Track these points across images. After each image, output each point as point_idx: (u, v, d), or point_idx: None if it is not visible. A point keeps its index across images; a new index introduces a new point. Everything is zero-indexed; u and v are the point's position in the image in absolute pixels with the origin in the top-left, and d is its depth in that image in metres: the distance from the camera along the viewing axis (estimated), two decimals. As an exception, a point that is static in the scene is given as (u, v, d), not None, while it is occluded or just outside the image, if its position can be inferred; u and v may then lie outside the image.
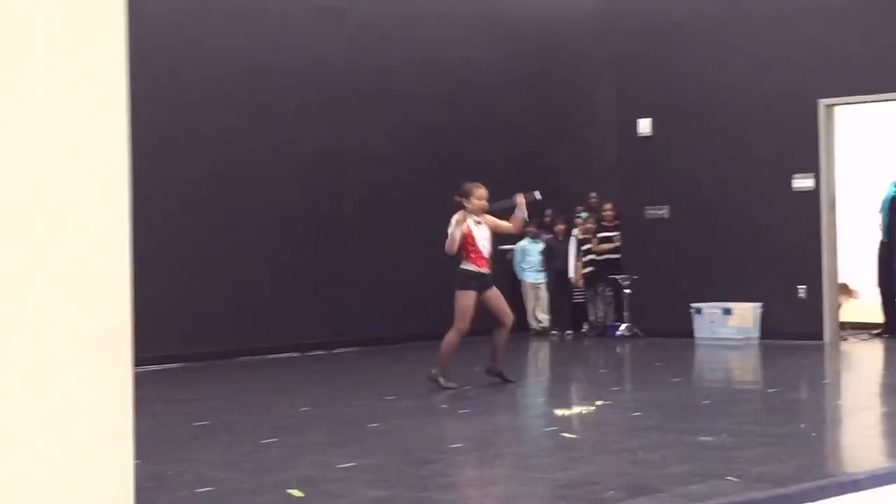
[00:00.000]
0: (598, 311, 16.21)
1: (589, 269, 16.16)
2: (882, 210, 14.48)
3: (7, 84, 3.48)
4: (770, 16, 14.64)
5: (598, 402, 9.21)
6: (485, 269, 10.46)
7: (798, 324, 14.20)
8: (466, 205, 10.42)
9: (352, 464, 6.66)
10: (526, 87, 17.11)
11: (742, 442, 7.12)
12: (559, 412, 8.76)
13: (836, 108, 14.33)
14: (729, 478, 5.92)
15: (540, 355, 14.43)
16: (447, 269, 15.30)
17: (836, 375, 12.06)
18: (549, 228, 16.53)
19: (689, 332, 14.70)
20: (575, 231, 16.36)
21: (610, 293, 16.02)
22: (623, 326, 15.50)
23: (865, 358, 13.20)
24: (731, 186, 14.81)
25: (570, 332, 16.22)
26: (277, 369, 12.74)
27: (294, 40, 14.46)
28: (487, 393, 10.05)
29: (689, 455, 6.70)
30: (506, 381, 10.60)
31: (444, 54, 16.12)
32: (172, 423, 8.67)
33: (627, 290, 15.45)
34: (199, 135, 13.40)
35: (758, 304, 14.50)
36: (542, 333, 16.33)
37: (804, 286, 14.32)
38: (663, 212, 15.48)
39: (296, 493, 5.86)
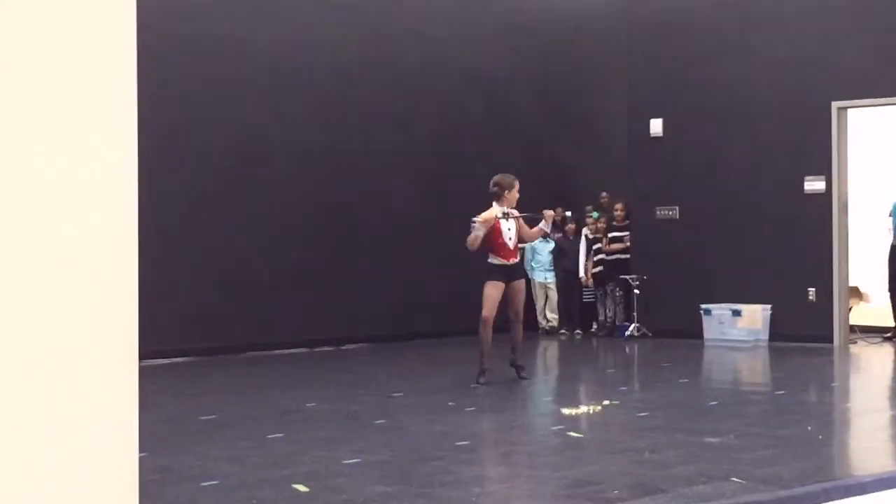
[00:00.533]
0: (608, 311, 16.19)
1: (599, 268, 16.14)
2: (892, 214, 14.43)
3: (16, 71, 3.49)
4: (783, 17, 14.60)
5: (606, 402, 9.20)
6: (512, 260, 10.58)
7: (808, 326, 14.17)
8: (506, 195, 10.49)
9: (357, 460, 6.66)
10: (538, 87, 17.10)
11: (748, 443, 7.11)
12: (566, 411, 8.76)
13: (850, 111, 14.28)
14: (734, 479, 5.91)
15: (549, 354, 14.42)
16: (457, 267, 15.34)
17: (845, 378, 12.03)
18: (559, 228, 16.51)
19: (698, 333, 14.67)
20: (585, 230, 16.35)
21: (619, 293, 16.00)
22: (632, 326, 15.48)
23: (875, 361, 13.16)
24: (741, 188, 14.77)
25: (579, 331, 16.22)
26: (285, 365, 12.75)
27: (306, 36, 14.47)
28: (495, 391, 10.05)
29: (694, 456, 6.69)
30: (520, 377, 10.65)
31: (456, 52, 16.10)
32: (179, 416, 8.68)
33: (637, 291, 15.43)
34: (212, 129, 13.41)
35: (767, 306, 14.46)
36: (551, 332, 16.32)
37: (814, 289, 14.29)
38: (673, 212, 15.45)
39: (301, 487, 5.87)
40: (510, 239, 10.51)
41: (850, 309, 14.80)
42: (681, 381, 10.88)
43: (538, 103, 17.04)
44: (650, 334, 15.25)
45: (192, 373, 12.04)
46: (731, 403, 9.35)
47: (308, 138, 14.31)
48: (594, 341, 15.68)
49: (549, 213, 10.97)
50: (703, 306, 14.75)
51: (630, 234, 15.94)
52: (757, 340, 14.31)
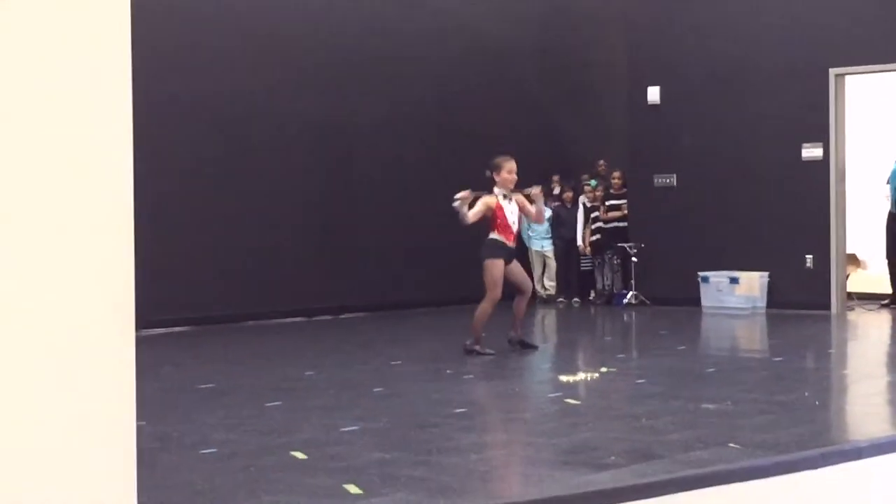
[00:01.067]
0: (605, 279, 16.21)
1: (596, 236, 16.15)
2: (891, 181, 14.42)
3: (12, 43, 3.48)
4: (781, -16, 14.56)
5: (603, 369, 9.22)
6: (512, 242, 10.49)
7: (805, 293, 14.19)
8: (497, 179, 10.41)
9: (355, 427, 6.68)
10: (536, 55, 17.06)
11: (745, 409, 7.13)
12: (564, 378, 8.78)
13: (847, 78, 14.25)
14: (732, 445, 5.93)
15: (546, 322, 14.43)
16: (456, 235, 15.30)
17: (842, 345, 12.05)
18: (556, 197, 16.50)
19: (695, 301, 14.69)
20: (582, 199, 16.34)
21: (617, 261, 16.02)
22: (630, 294, 15.49)
23: (872, 328, 13.18)
24: (739, 155, 14.75)
25: (576, 299, 16.23)
26: (284, 334, 12.76)
27: (306, 5, 14.42)
28: (494, 359, 10.06)
29: (692, 422, 6.71)
30: (527, 346, 10.63)
31: (455, 20, 16.05)
32: (177, 385, 8.70)
33: (634, 259, 15.44)
34: (209, 98, 13.37)
35: (765, 274, 14.47)
36: (549, 301, 16.33)
37: (812, 256, 14.30)
38: (671, 180, 15.44)
39: (299, 455, 5.88)
40: (513, 223, 10.48)
41: (847, 276, 14.82)
42: (678, 348, 10.90)
43: (537, 71, 17.00)
44: (648, 302, 15.27)
45: (190, 342, 12.06)
46: (728, 370, 9.37)
47: (306, 107, 14.27)
48: (592, 309, 15.70)
49: (535, 191, 10.76)
50: (701, 274, 14.76)
51: (628, 202, 15.94)
52: (754, 308, 14.33)
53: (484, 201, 10.37)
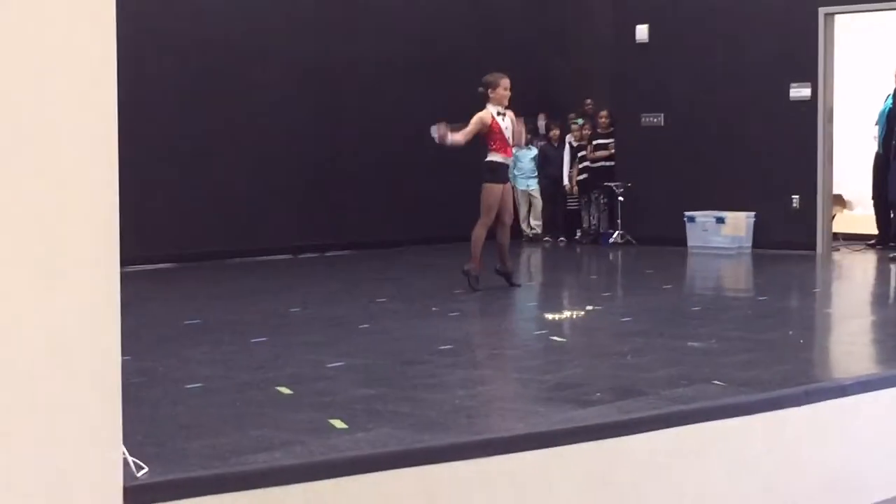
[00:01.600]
0: (592, 219, 16.21)
1: (583, 176, 16.13)
2: (879, 122, 14.40)
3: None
4: (772, -78, 14.45)
5: (589, 308, 9.24)
6: (510, 159, 10.58)
7: (791, 234, 14.21)
8: (491, 95, 10.40)
9: (341, 363, 6.69)
10: (523, -9, 16.94)
11: (730, 347, 7.16)
12: (550, 316, 8.81)
13: (837, 17, 14.18)
14: (715, 382, 5.95)
15: (532, 261, 14.44)
16: (443, 174, 15.29)
17: (827, 285, 12.09)
18: (543, 136, 16.43)
19: (682, 241, 14.71)
20: (569, 137, 16.30)
21: (604, 200, 16.01)
22: (616, 234, 15.50)
23: (857, 268, 13.22)
24: (727, 95, 14.71)
25: (563, 238, 16.24)
26: (269, 270, 12.75)
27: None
28: (479, 296, 10.07)
29: (676, 360, 6.73)
30: (512, 284, 10.63)
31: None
32: (162, 321, 8.69)
33: (621, 198, 15.43)
34: (193, 35, 13.25)
35: (751, 214, 14.48)
36: (535, 240, 16.33)
37: (798, 196, 14.30)
38: (658, 119, 15.40)
39: (285, 390, 5.89)
40: (510, 137, 10.48)
41: (833, 217, 14.85)
42: (664, 287, 10.92)
43: (522, 9, 16.88)
44: (634, 241, 15.28)
45: (176, 278, 12.04)
46: (713, 309, 9.40)
47: (292, 46, 14.17)
48: (578, 248, 15.71)
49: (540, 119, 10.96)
50: (687, 213, 14.77)
51: (615, 142, 15.91)
52: (740, 247, 14.36)
53: (479, 118, 10.35)
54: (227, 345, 7.49)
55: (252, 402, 5.64)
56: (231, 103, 13.60)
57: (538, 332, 8.23)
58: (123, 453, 3.91)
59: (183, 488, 4.06)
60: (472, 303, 9.74)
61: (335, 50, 14.60)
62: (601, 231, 15.98)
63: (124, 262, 3.94)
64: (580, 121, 16.27)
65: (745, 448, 5.32)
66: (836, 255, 14.10)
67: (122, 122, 3.75)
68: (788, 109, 14.29)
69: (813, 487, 5.55)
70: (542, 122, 10.88)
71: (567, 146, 16.23)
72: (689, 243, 14.68)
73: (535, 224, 16.51)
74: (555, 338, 7.83)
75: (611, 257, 14.59)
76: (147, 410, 5.36)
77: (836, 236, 14.77)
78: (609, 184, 15.68)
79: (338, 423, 5.07)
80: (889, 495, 5.85)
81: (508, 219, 10.62)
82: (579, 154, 16.16)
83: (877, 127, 14.44)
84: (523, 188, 16.39)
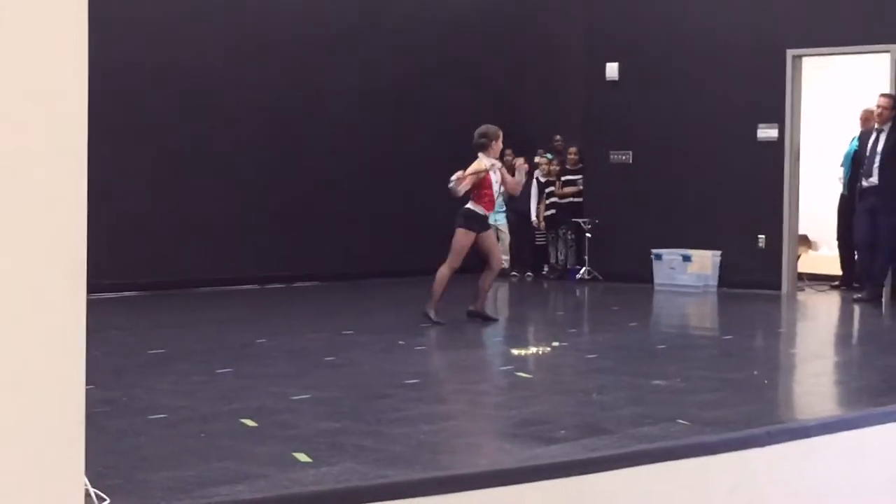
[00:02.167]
0: (559, 254, 16.25)
1: (551, 211, 16.18)
2: (844, 164, 14.52)
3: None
4: (742, -36, 14.59)
5: (555, 343, 9.25)
6: (490, 213, 10.64)
7: (757, 273, 14.28)
8: (493, 146, 10.47)
9: (306, 396, 6.67)
10: (493, 28, 17.02)
11: (695, 386, 7.18)
12: (516, 352, 8.81)
13: (804, 59, 14.32)
14: (680, 421, 5.96)
15: (499, 296, 14.45)
16: (410, 206, 15.33)
17: (792, 325, 12.15)
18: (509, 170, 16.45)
19: (648, 278, 14.76)
20: (537, 173, 16.36)
21: (571, 236, 16.06)
22: (583, 270, 15.54)
23: (821, 309, 13.30)
24: (695, 134, 14.80)
25: (530, 273, 16.27)
26: (236, 300, 12.71)
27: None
28: (446, 330, 10.07)
29: (641, 398, 6.74)
30: (488, 319, 10.68)
31: (412, -8, 16.02)
32: (127, 350, 8.64)
33: (588, 234, 15.48)
34: (164, 63, 13.25)
35: (717, 252, 14.55)
36: (503, 274, 16.32)
37: (764, 236, 14.39)
38: (627, 157, 15.48)
39: (249, 422, 5.87)
40: (496, 192, 10.55)
41: (798, 257, 14.94)
42: (630, 324, 10.95)
43: (494, 45, 16.96)
44: (601, 278, 15.33)
45: (142, 307, 11.99)
46: (678, 347, 9.43)
47: (261, 75, 14.19)
48: (545, 284, 15.75)
49: (521, 164, 11.13)
50: (654, 251, 14.82)
51: (583, 178, 15.97)
52: (706, 286, 14.42)
53: (477, 167, 10.41)
54: (192, 375, 7.46)
55: (216, 433, 5.62)
56: (200, 132, 13.59)
57: (504, 368, 8.23)
58: (85, 485, 3.88)
59: (145, 521, 4.03)
60: (438, 337, 9.74)
61: (304, 79, 14.62)
62: (568, 267, 16.03)
63: (90, 289, 3.92)
64: (549, 155, 16.34)
65: (709, 488, 5.33)
66: (801, 296, 14.18)
67: (90, 148, 3.73)
68: (756, 150, 14.39)
69: (775, 528, 5.56)
70: (519, 162, 11.05)
71: (535, 181, 16.28)
72: (656, 281, 14.73)
73: (503, 258, 16.50)
74: (520, 374, 7.83)
75: (577, 293, 14.63)
76: (110, 441, 5.33)
77: (801, 276, 14.86)
78: (577, 220, 15.74)
79: (302, 457, 5.05)
80: (850, 537, 5.87)
81: (497, 264, 10.70)
82: (547, 189, 16.22)
83: (842, 168, 14.55)
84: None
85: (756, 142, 14.41)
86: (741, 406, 6.45)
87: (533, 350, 8.91)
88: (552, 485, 4.87)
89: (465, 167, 10.59)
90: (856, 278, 14.15)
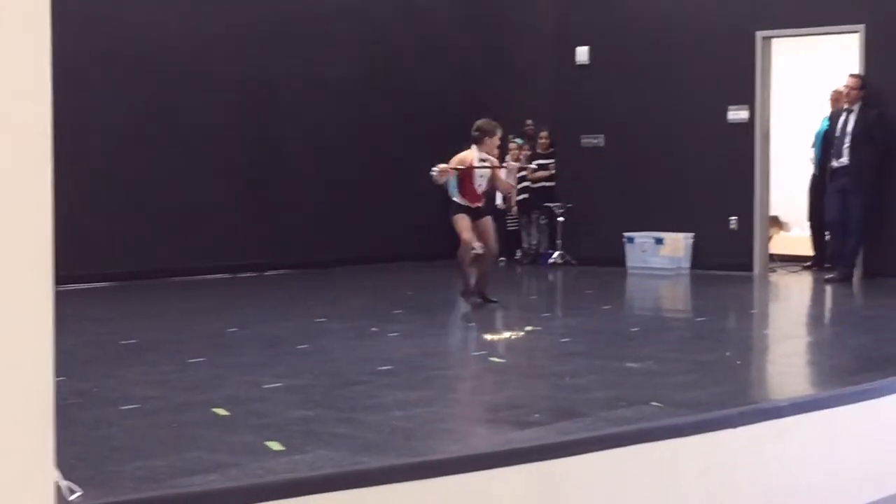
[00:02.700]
0: (532, 239, 16.25)
1: (523, 196, 16.17)
2: (815, 144, 14.57)
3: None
4: (710, -54, 14.60)
5: (528, 328, 9.25)
6: (476, 205, 10.69)
7: (728, 255, 14.32)
8: (487, 141, 10.47)
9: (278, 384, 6.64)
10: (464, 13, 16.98)
11: (668, 369, 7.19)
12: (489, 337, 8.81)
13: (774, 41, 14.35)
14: (654, 403, 5.97)
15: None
16: (381, 194, 15.30)
17: (764, 306, 12.20)
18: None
19: (621, 261, 14.78)
20: (508, 158, 16.32)
21: (543, 221, 16.06)
22: (556, 254, 15.55)
23: (793, 290, 13.36)
24: (666, 116, 14.82)
25: (502, 258, 16.23)
26: (207, 290, 12.66)
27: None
28: (419, 316, 10.06)
29: (615, 381, 6.75)
30: (488, 301, 10.81)
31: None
32: (98, 341, 8.59)
33: (561, 219, 15.48)
34: (133, 51, 13.16)
35: (689, 235, 14.58)
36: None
37: (736, 217, 14.42)
38: (599, 140, 15.48)
39: (221, 411, 5.84)
40: (479, 186, 10.55)
41: (770, 238, 14.98)
42: (603, 307, 10.97)
43: (464, 30, 16.91)
44: (574, 262, 15.34)
45: (112, 298, 11.93)
46: (651, 330, 9.44)
47: (231, 63, 14.11)
48: (518, 268, 15.75)
49: (513, 164, 11.26)
50: (626, 234, 14.84)
51: (555, 162, 15.97)
52: (679, 268, 14.45)
53: (461, 158, 10.44)
54: (163, 365, 7.42)
55: (188, 423, 5.58)
56: (170, 120, 13.51)
57: (477, 353, 8.22)
58: (56, 476, 3.84)
59: (117, 512, 4.01)
60: (411, 323, 9.72)
61: (276, 67, 14.56)
62: (541, 251, 16.04)
63: (59, 280, 3.88)
64: (519, 140, 16.32)
65: (683, 469, 5.33)
66: (773, 277, 14.23)
67: (57, 138, 3.69)
68: (726, 132, 14.42)
69: (750, 508, 5.57)
70: (511, 164, 11.24)
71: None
72: (628, 264, 14.75)
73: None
74: (494, 359, 7.83)
75: (550, 278, 14.63)
76: (82, 432, 5.29)
77: (772, 257, 14.91)
78: (549, 204, 15.74)
79: (275, 446, 5.03)
80: (824, 516, 5.89)
81: (489, 252, 10.83)
82: (519, 174, 16.20)
83: (813, 149, 14.60)
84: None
85: (727, 123, 14.44)
86: (714, 387, 6.46)
87: (506, 335, 8.90)
88: (526, 469, 4.86)
89: (435, 153, 10.57)
90: (828, 259, 14.21)
